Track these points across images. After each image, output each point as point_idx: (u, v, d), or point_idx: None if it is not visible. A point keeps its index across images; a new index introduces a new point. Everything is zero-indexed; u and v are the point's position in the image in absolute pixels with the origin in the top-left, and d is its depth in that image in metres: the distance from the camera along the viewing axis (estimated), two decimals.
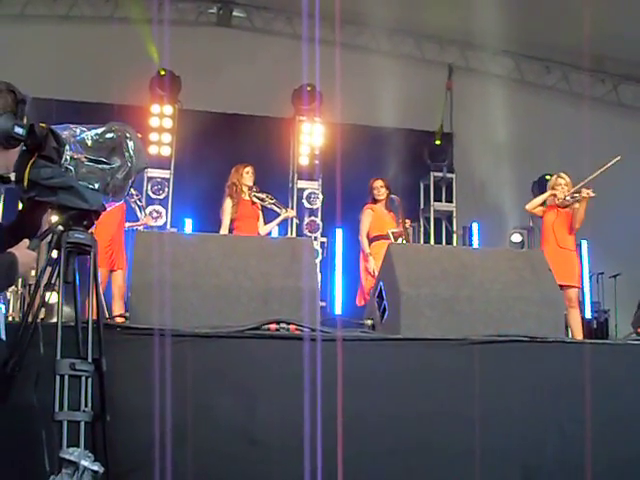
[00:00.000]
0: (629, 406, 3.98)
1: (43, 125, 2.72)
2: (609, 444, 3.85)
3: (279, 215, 7.89)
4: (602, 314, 10.95)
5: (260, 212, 7.66)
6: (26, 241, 2.70)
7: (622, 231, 7.18)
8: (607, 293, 10.87)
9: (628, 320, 7.27)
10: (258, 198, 7.58)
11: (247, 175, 7.59)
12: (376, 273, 7.24)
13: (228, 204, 7.48)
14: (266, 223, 7.77)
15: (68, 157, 2.72)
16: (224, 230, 7.40)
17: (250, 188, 7.56)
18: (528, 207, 7.07)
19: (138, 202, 8.33)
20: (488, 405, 3.75)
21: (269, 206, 7.72)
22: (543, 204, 7.20)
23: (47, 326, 2.85)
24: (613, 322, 10.78)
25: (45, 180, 2.72)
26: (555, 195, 7.04)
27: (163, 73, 10.26)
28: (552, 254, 6.73)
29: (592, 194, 6.84)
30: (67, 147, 2.72)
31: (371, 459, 3.59)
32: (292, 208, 9.88)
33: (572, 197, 6.97)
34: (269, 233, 7.86)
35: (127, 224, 7.95)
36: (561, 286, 6.87)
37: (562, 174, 7.20)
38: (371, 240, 7.62)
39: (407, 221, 7.73)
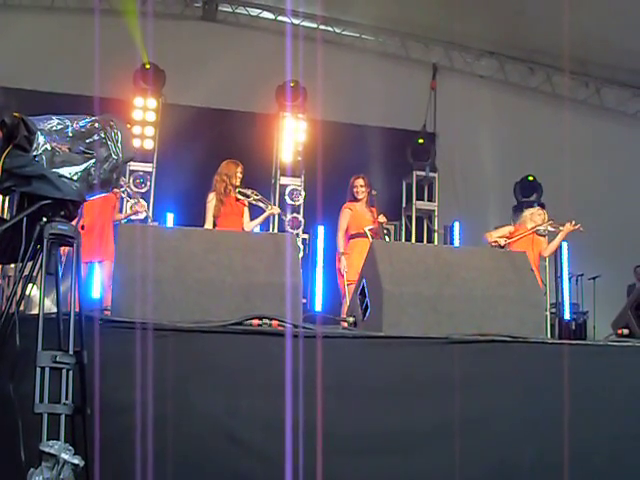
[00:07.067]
0: (608, 407, 4.00)
1: (16, 114, 2.69)
2: (588, 444, 3.87)
3: (264, 211, 7.83)
4: (581, 316, 11.04)
5: (246, 208, 7.57)
6: None
7: (602, 233, 7.24)
8: (586, 295, 10.94)
9: (606, 322, 7.31)
10: (243, 195, 7.50)
11: (240, 176, 7.49)
12: (345, 272, 7.30)
13: (212, 199, 7.37)
14: (252, 219, 7.70)
15: (40, 146, 2.68)
16: (208, 225, 7.32)
17: (236, 187, 7.48)
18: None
19: (128, 190, 8.29)
20: (468, 403, 3.75)
21: (254, 202, 7.65)
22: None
23: (26, 318, 2.82)
24: (591, 324, 10.86)
25: (18, 169, 2.69)
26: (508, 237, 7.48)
27: (148, 66, 10.20)
28: None
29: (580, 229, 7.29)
30: (39, 135, 2.68)
31: (352, 457, 3.58)
32: (274, 204, 9.83)
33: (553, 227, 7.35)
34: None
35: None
36: None
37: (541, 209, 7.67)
38: (349, 238, 7.63)
39: (382, 216, 7.69)
